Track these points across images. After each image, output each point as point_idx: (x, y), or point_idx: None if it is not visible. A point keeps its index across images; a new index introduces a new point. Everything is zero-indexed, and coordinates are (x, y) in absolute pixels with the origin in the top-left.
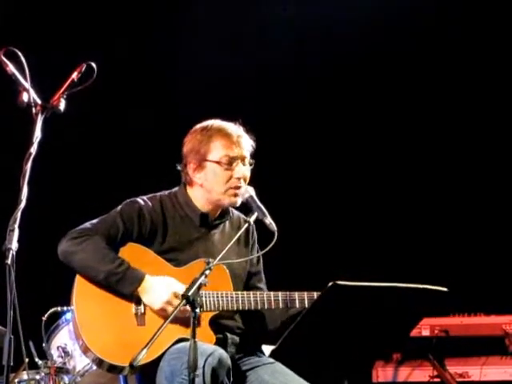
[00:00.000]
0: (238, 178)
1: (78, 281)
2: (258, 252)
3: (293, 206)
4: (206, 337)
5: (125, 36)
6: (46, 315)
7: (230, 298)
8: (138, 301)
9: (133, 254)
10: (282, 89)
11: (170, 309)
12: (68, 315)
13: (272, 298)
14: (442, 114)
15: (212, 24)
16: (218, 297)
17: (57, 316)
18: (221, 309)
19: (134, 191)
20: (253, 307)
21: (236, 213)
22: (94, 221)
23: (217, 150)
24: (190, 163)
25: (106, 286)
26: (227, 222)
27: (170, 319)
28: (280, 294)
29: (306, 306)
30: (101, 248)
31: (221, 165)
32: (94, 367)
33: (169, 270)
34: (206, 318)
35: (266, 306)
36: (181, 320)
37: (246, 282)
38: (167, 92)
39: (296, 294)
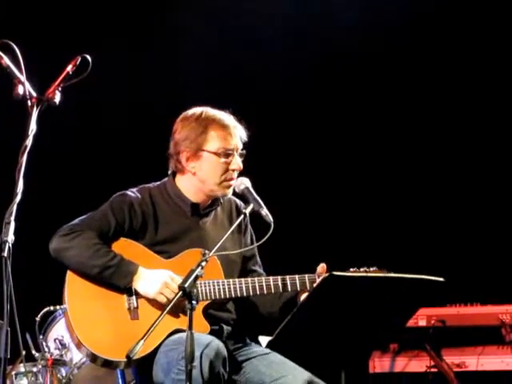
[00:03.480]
0: (233, 170)
1: (69, 278)
2: (251, 235)
3: (289, 196)
4: (200, 326)
5: (122, 29)
6: (39, 315)
7: (221, 286)
8: (130, 295)
9: (123, 248)
10: (278, 82)
11: (166, 292)
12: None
13: (264, 283)
14: (439, 109)
15: (210, 23)
16: (209, 285)
17: (50, 315)
18: (213, 297)
19: (125, 184)
20: (245, 294)
21: (226, 197)
22: (84, 216)
23: (214, 141)
24: (184, 151)
25: (100, 280)
26: (218, 208)
27: (166, 311)
28: (271, 278)
29: (298, 289)
30: (93, 243)
31: (218, 156)
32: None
33: (160, 263)
34: (199, 307)
35: (258, 292)
36: (175, 311)
37: (242, 267)
38: (163, 89)
39: (287, 278)
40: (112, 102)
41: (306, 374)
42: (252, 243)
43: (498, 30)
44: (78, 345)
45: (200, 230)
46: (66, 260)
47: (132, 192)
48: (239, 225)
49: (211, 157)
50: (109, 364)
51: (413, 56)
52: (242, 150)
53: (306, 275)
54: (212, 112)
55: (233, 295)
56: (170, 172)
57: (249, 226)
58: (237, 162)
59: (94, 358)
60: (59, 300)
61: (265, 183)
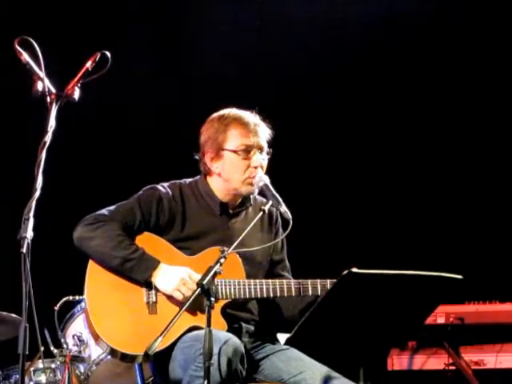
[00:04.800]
0: (255, 167)
1: (90, 269)
2: (282, 239)
3: (308, 194)
4: (218, 324)
5: (140, 24)
6: (58, 305)
7: (241, 286)
8: (149, 289)
9: (146, 242)
10: (279, 82)
11: (183, 289)
12: (83, 304)
13: (284, 286)
14: (447, 104)
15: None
16: (229, 285)
17: (69, 305)
18: (233, 297)
19: (143, 181)
20: (265, 295)
21: (259, 198)
22: (112, 207)
23: (234, 139)
24: (208, 152)
25: (120, 272)
26: (250, 208)
27: (185, 308)
28: (292, 281)
29: (319, 293)
30: (116, 234)
31: (238, 154)
32: (109, 356)
33: (182, 259)
34: (218, 305)
35: (278, 294)
36: (192, 308)
37: (269, 270)
38: (179, 87)
39: (309, 282)
40: (131, 99)
41: (323, 369)
42: (282, 247)
43: (499, 29)
44: (96, 338)
45: (228, 230)
46: (88, 249)
47: (162, 187)
48: (270, 226)
49: (231, 155)
50: (126, 358)
51: (413, 56)
52: (268, 148)
53: (328, 280)
54: (235, 112)
55: (252, 296)
56: (202, 171)
57: (280, 229)
58: (258, 159)
59: (112, 351)
60: (79, 291)
61: (284, 180)
